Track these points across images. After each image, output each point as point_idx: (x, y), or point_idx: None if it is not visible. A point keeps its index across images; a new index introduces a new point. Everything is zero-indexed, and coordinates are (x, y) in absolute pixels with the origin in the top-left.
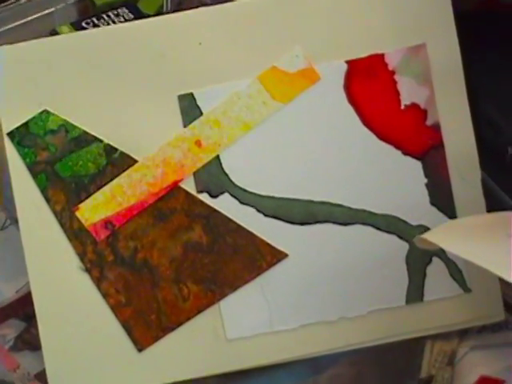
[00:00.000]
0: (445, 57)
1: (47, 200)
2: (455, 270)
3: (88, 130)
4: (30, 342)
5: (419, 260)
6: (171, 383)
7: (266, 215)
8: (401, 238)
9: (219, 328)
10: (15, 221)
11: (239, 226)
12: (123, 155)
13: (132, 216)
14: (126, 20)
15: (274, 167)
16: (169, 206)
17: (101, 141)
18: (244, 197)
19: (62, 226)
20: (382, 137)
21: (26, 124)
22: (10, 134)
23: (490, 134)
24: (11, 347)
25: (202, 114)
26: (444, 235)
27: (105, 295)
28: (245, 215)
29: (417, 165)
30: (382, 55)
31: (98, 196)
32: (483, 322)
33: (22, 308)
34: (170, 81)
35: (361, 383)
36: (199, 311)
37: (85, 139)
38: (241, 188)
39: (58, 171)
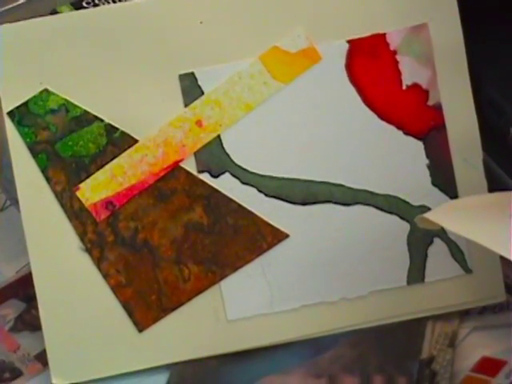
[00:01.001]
0: (447, 37)
1: (48, 180)
2: (456, 250)
3: (89, 110)
4: (30, 322)
5: (420, 241)
6: (172, 363)
7: (266, 195)
8: (402, 218)
9: (220, 309)
10: (15, 201)
11: (240, 206)
12: (124, 135)
13: (133, 196)
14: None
15: (275, 147)
16: (169, 187)
17: (101, 120)
18: (245, 177)
19: (63, 206)
20: (384, 117)
21: (26, 103)
22: (10, 114)
23: (492, 116)
24: (11, 328)
25: (203, 93)
26: (445, 215)
27: (105, 275)
28: (246, 195)
29: (418, 145)
30: (384, 35)
31: (99, 176)
32: (484, 302)
33: (23, 289)
34: (171, 60)
35: (362, 364)
36: (200, 292)
37: (85, 119)
38: (242, 168)
39: (59, 151)
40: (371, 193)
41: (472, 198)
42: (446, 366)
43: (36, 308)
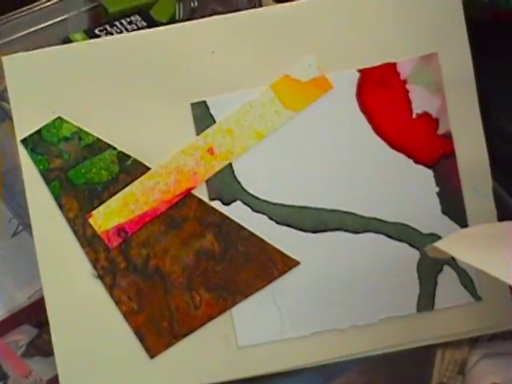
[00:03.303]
0: (457, 66)
1: (60, 207)
2: (466, 278)
3: (101, 138)
4: (42, 348)
5: (430, 268)
6: None
7: (277, 223)
8: (412, 246)
9: (231, 335)
10: (28, 226)
11: (251, 234)
12: (136, 163)
13: (145, 223)
14: (138, 28)
15: (286, 175)
16: (181, 214)
17: (114, 148)
18: (256, 204)
19: (75, 232)
20: (394, 145)
21: (39, 131)
22: (24, 141)
23: (502, 144)
24: (23, 353)
25: (214, 122)
26: (455, 244)
27: (117, 302)
28: (257, 223)
29: (428, 174)
30: (395, 64)
31: (111, 203)
32: (494, 330)
33: (35, 314)
34: (183, 89)
35: None
36: (211, 318)
37: (98, 146)
38: (253, 196)
39: (72, 178)
40: (381, 221)
41: (481, 227)
42: None
43: (48, 333)
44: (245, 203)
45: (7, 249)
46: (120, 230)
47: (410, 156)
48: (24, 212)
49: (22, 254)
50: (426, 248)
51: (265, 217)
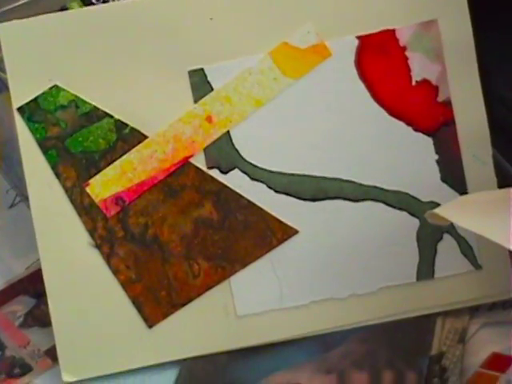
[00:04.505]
0: (456, 33)
1: (58, 176)
2: (466, 246)
3: (98, 106)
4: (40, 318)
5: (430, 237)
6: (181, 359)
7: (276, 191)
8: (412, 214)
9: (229, 305)
10: (25, 198)
11: (250, 202)
12: (133, 131)
13: (142, 192)
14: None
15: (285, 143)
16: (179, 182)
17: (111, 116)
18: (254, 173)
19: (73, 202)
20: (393, 113)
21: (35, 99)
22: (20, 110)
23: (502, 111)
24: (21, 324)
25: (212, 89)
26: (455, 210)
27: (115, 271)
28: (255, 191)
29: (428, 141)
30: (394, 31)
31: (109, 172)
32: (494, 299)
33: (32, 285)
34: (181, 56)
35: (371, 360)
36: (209, 288)
37: (95, 115)
38: (251, 164)
39: (69, 147)
40: (381, 189)
41: (481, 194)
42: (456, 362)
43: (46, 304)
44: (243, 171)
45: (4, 220)
46: (118, 198)
47: (409, 123)
48: (22, 183)
49: (19, 226)
50: (426, 214)
51: (263, 185)
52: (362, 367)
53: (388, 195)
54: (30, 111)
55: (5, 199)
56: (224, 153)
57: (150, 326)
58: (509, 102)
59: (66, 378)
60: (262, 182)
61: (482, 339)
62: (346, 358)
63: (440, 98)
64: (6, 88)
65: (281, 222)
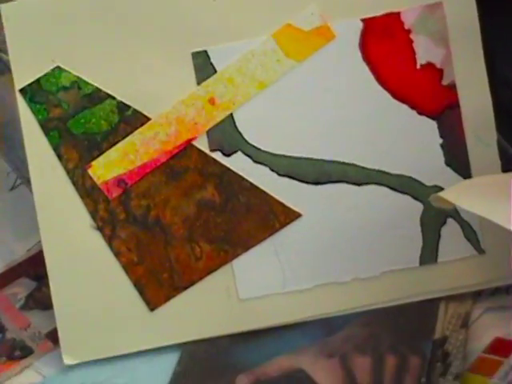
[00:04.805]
0: (462, 16)
1: (59, 157)
2: (469, 231)
3: (101, 87)
4: (40, 301)
5: (434, 221)
6: (183, 343)
7: (279, 174)
8: (415, 198)
9: (232, 288)
10: (26, 180)
11: (252, 185)
12: (136, 113)
13: (145, 174)
14: None
15: (288, 126)
16: (182, 165)
17: (114, 98)
18: (257, 155)
19: (75, 183)
20: (397, 96)
21: (38, 80)
22: (22, 91)
23: (507, 95)
24: (22, 306)
25: (215, 71)
26: (460, 193)
27: (117, 254)
28: (258, 174)
29: (432, 125)
30: (398, 13)
31: (111, 154)
32: (497, 283)
33: (33, 267)
34: (184, 38)
35: (374, 344)
36: (212, 271)
37: (97, 96)
38: (254, 146)
39: (71, 128)
40: (384, 173)
41: (486, 178)
42: (459, 346)
43: (47, 286)
44: (246, 154)
45: (5, 202)
46: (120, 180)
47: (413, 107)
48: (23, 165)
49: (20, 208)
50: (430, 197)
51: (266, 168)
52: (365, 351)
53: (392, 179)
54: (32, 92)
55: (6, 181)
56: (227, 135)
57: (152, 309)
58: None
59: (67, 360)
60: (265, 164)
61: (485, 324)
62: (349, 342)
63: (445, 82)
64: (8, 69)
65: (284, 205)
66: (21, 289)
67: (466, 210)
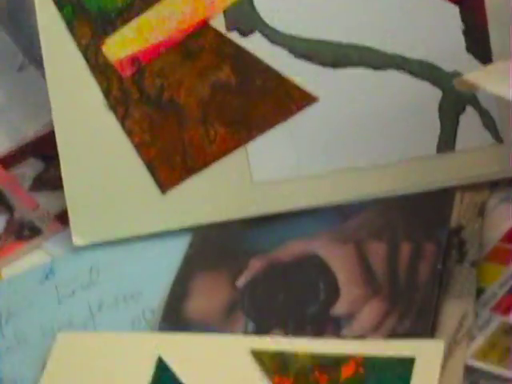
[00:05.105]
0: None
1: (73, 33)
2: (489, 119)
3: None
4: (49, 182)
5: (452, 108)
6: (195, 226)
7: (296, 56)
8: (435, 84)
9: (245, 171)
10: (34, 61)
11: (269, 67)
12: None
13: (159, 53)
14: None
15: (307, 6)
16: (197, 44)
17: None
18: (275, 36)
19: (88, 60)
20: None
21: None
22: None
23: None
24: (30, 187)
25: None
26: (484, 76)
27: (129, 133)
28: (275, 56)
29: (454, 10)
30: None
31: (125, 31)
32: None
33: (41, 148)
34: None
35: (389, 231)
36: (225, 154)
37: None
38: (271, 27)
39: (85, 4)
40: (404, 57)
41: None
42: (475, 235)
43: (55, 168)
44: (263, 34)
45: (13, 83)
46: (134, 59)
47: None
48: (31, 46)
49: (28, 89)
50: (454, 81)
51: (283, 50)
52: (380, 238)
53: (411, 64)
54: None
55: (13, 62)
56: (244, 15)
57: (164, 191)
58: None
59: (76, 241)
60: (282, 46)
61: (501, 214)
62: (364, 229)
63: None
64: None
65: (300, 88)
66: (29, 169)
67: (491, 93)
